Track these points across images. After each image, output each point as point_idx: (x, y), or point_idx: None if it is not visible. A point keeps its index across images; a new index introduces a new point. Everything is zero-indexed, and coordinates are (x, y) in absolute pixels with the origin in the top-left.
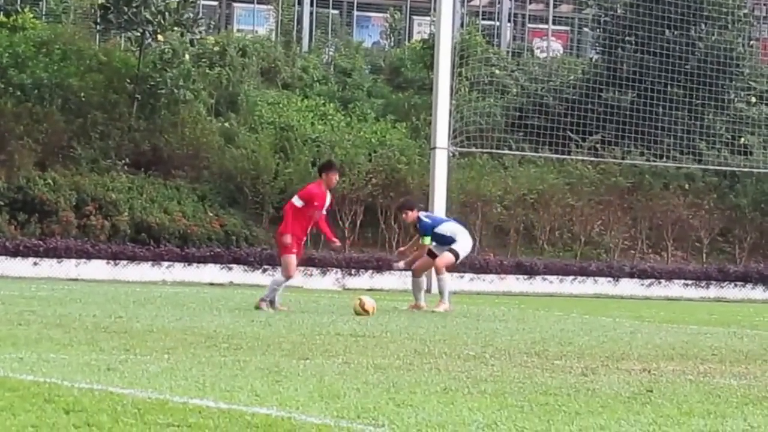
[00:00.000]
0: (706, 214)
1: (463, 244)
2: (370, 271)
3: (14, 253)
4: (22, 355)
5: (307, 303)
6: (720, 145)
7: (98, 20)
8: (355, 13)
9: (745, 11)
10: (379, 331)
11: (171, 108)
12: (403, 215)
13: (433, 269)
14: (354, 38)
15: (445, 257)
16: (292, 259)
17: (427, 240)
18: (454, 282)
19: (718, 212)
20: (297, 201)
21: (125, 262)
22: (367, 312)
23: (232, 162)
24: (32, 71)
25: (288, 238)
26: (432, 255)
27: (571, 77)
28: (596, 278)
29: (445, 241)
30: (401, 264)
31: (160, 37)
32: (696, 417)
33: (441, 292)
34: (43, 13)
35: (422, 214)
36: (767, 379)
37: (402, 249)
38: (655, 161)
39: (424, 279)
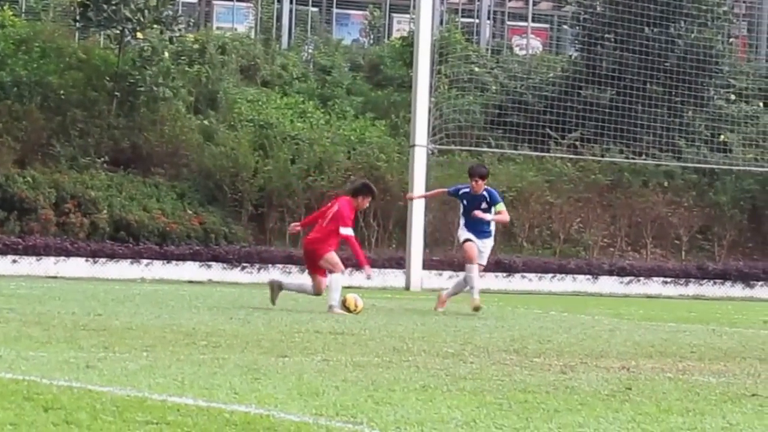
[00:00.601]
0: (685, 211)
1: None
2: (349, 269)
3: None
4: (1, 353)
5: (286, 301)
6: (699, 142)
7: (78, 18)
8: (335, 10)
9: (725, 8)
10: (358, 329)
11: (150, 106)
12: (474, 182)
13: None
14: (333, 36)
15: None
16: (333, 254)
17: (501, 206)
18: (433, 280)
19: (698, 210)
20: (345, 230)
21: (104, 259)
22: (352, 310)
23: (211, 160)
24: (11, 69)
25: (335, 255)
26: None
27: (551, 75)
28: (575, 276)
29: (485, 228)
30: (413, 195)
31: (139, 34)
32: (675, 414)
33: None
34: (23, 10)
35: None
36: (746, 377)
37: (411, 194)
38: (634, 159)
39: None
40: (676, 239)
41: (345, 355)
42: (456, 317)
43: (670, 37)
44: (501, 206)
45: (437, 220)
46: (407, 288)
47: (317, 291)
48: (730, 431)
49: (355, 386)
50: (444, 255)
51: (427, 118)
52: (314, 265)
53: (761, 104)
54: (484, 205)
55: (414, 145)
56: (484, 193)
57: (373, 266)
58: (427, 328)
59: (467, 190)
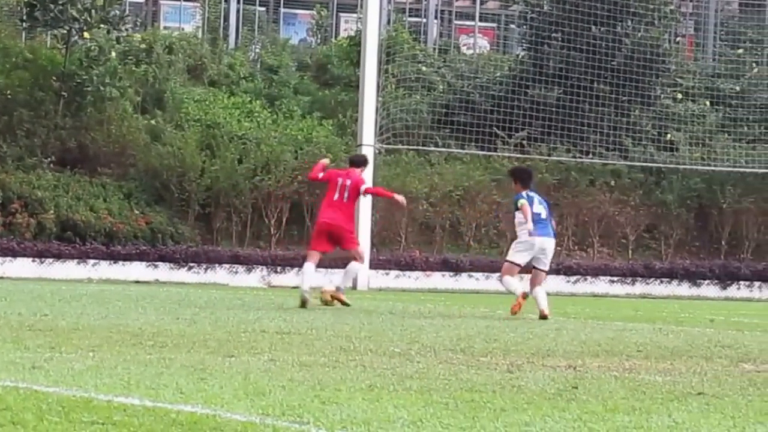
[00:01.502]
0: (632, 210)
1: (518, 249)
2: (296, 268)
3: None
4: None
5: (233, 300)
6: (646, 141)
7: (24, 18)
8: (282, 10)
9: (671, 7)
10: (304, 329)
11: (97, 105)
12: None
13: None
14: (281, 35)
15: (504, 266)
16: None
17: (521, 201)
18: (380, 279)
19: (644, 209)
20: (364, 186)
21: (51, 260)
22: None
23: (158, 159)
24: None
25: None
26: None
27: (498, 74)
28: (522, 275)
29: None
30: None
31: (86, 34)
32: (621, 413)
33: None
34: None
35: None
36: (692, 375)
37: None
38: (581, 158)
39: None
40: (623, 238)
41: (291, 355)
42: (402, 317)
43: (617, 36)
44: (519, 202)
45: (384, 220)
46: (354, 287)
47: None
48: (676, 429)
49: (301, 386)
50: (391, 254)
51: (374, 117)
52: (329, 244)
53: (708, 103)
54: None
55: (361, 145)
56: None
57: (319, 266)
58: (373, 328)
59: None
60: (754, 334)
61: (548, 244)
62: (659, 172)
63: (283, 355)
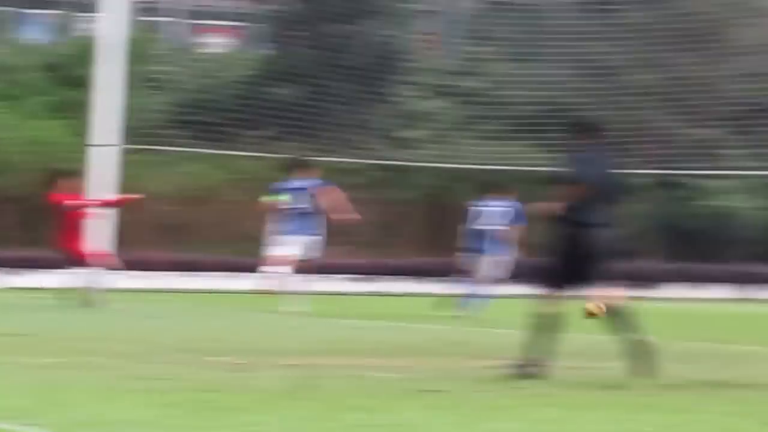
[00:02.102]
0: (368, 208)
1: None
2: (31, 269)
3: None
4: None
5: None
6: (384, 139)
7: None
8: (23, 9)
9: (413, 5)
10: (33, 330)
11: None
12: None
13: None
14: (20, 35)
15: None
16: None
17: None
18: (116, 279)
19: (381, 206)
20: None
21: None
22: None
23: None
24: None
25: None
26: None
27: (242, 73)
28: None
29: None
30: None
31: None
32: (349, 411)
33: None
34: None
35: None
36: (426, 373)
37: None
38: (319, 156)
39: None
40: (359, 235)
41: (20, 357)
42: (132, 317)
43: (358, 34)
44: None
45: (122, 219)
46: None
47: None
48: (403, 427)
49: (31, 388)
50: (127, 254)
51: (112, 117)
52: None
53: (445, 101)
54: None
55: (97, 145)
56: None
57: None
58: (102, 329)
59: None
60: (486, 331)
61: (301, 239)
62: (396, 169)
63: (10, 358)
